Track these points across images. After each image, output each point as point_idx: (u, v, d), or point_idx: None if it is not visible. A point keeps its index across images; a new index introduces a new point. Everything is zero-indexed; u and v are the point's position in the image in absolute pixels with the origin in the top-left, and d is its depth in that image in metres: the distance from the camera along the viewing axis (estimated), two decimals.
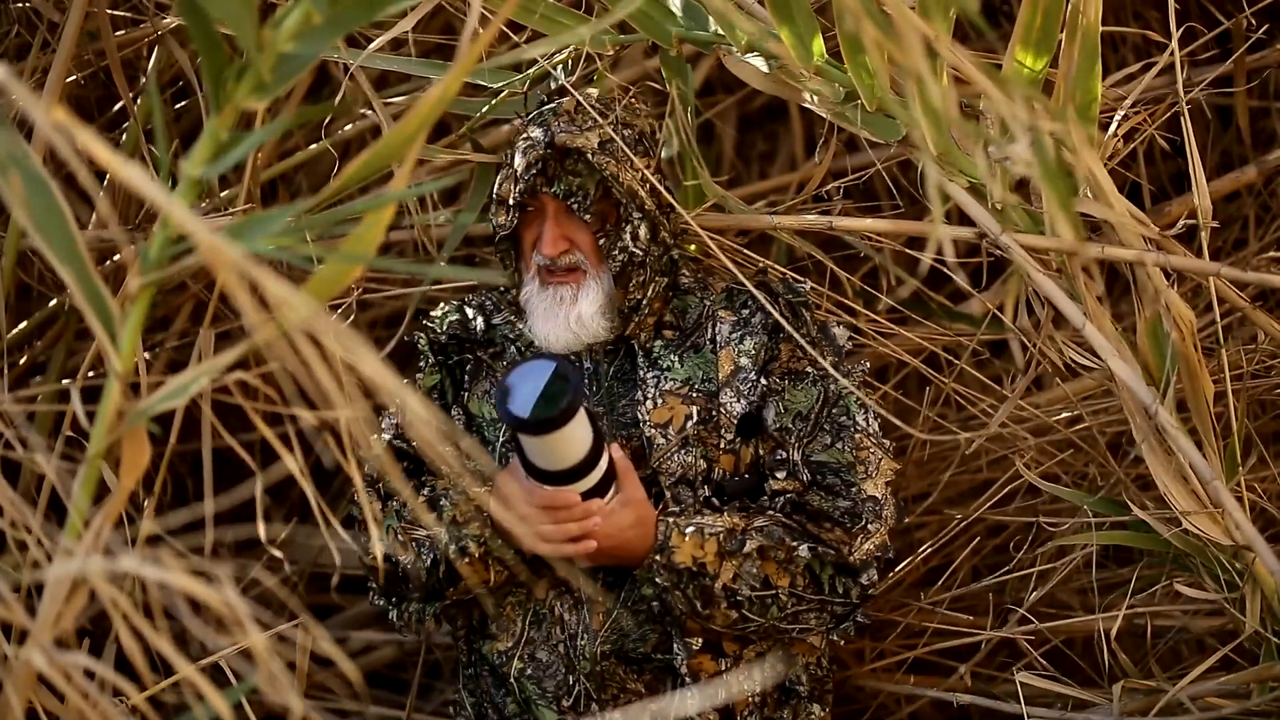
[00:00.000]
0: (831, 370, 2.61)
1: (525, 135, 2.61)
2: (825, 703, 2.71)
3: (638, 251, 2.61)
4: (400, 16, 2.71)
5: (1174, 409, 2.56)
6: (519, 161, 2.59)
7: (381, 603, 2.73)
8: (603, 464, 2.45)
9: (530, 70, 2.75)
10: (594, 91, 2.69)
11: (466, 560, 2.56)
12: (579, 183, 2.58)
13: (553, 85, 2.71)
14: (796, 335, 2.62)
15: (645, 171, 2.61)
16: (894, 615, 3.16)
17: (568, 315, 2.60)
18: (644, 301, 2.64)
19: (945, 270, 2.95)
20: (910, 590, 3.21)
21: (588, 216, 2.59)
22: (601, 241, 2.61)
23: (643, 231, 2.61)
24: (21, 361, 3.26)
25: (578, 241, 2.61)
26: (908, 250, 2.91)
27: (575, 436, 2.38)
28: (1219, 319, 2.66)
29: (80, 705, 1.55)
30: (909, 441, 3.17)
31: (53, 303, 3.23)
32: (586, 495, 2.45)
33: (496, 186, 2.64)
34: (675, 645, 2.58)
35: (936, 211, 1.69)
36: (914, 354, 3.06)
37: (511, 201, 2.60)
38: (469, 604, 2.66)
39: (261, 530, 1.82)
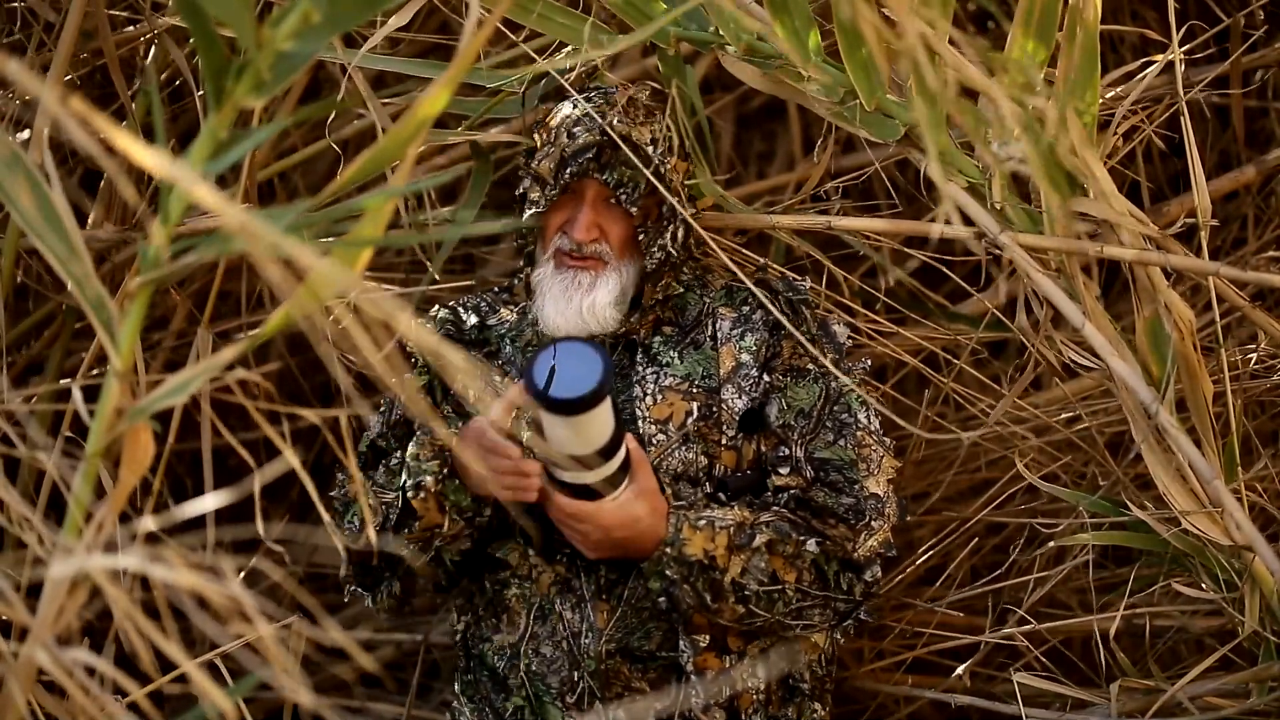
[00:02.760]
0: (832, 368, 2.61)
1: (571, 115, 2.60)
2: (826, 701, 2.71)
3: (673, 252, 2.62)
4: (395, 10, 2.70)
5: (1173, 408, 2.56)
6: (566, 141, 2.58)
7: (358, 592, 2.71)
8: (621, 453, 2.43)
9: (528, 70, 2.74)
10: (609, 78, 2.70)
11: (421, 496, 2.53)
12: (631, 174, 2.58)
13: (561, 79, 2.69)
14: (797, 334, 2.62)
15: (684, 174, 2.63)
16: (893, 615, 3.16)
17: (581, 302, 2.59)
18: (660, 300, 2.64)
19: (945, 271, 2.95)
20: (909, 590, 3.21)
21: (634, 209, 2.59)
22: (641, 237, 2.61)
23: (680, 234, 2.62)
24: (20, 361, 3.26)
25: (608, 232, 2.62)
26: (906, 249, 2.91)
27: (599, 422, 2.36)
28: (1218, 318, 2.66)
29: (81, 702, 1.55)
30: (908, 441, 3.17)
31: (51, 302, 3.23)
32: (603, 483, 2.44)
33: (535, 162, 2.62)
34: (681, 642, 2.58)
35: (943, 185, 1.68)
36: (913, 354, 3.06)
37: (554, 181, 2.59)
38: (448, 588, 2.65)
39: (260, 527, 1.82)
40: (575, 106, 2.62)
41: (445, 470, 2.53)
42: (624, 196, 2.59)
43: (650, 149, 2.59)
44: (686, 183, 2.73)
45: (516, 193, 2.67)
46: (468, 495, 2.53)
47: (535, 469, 2.45)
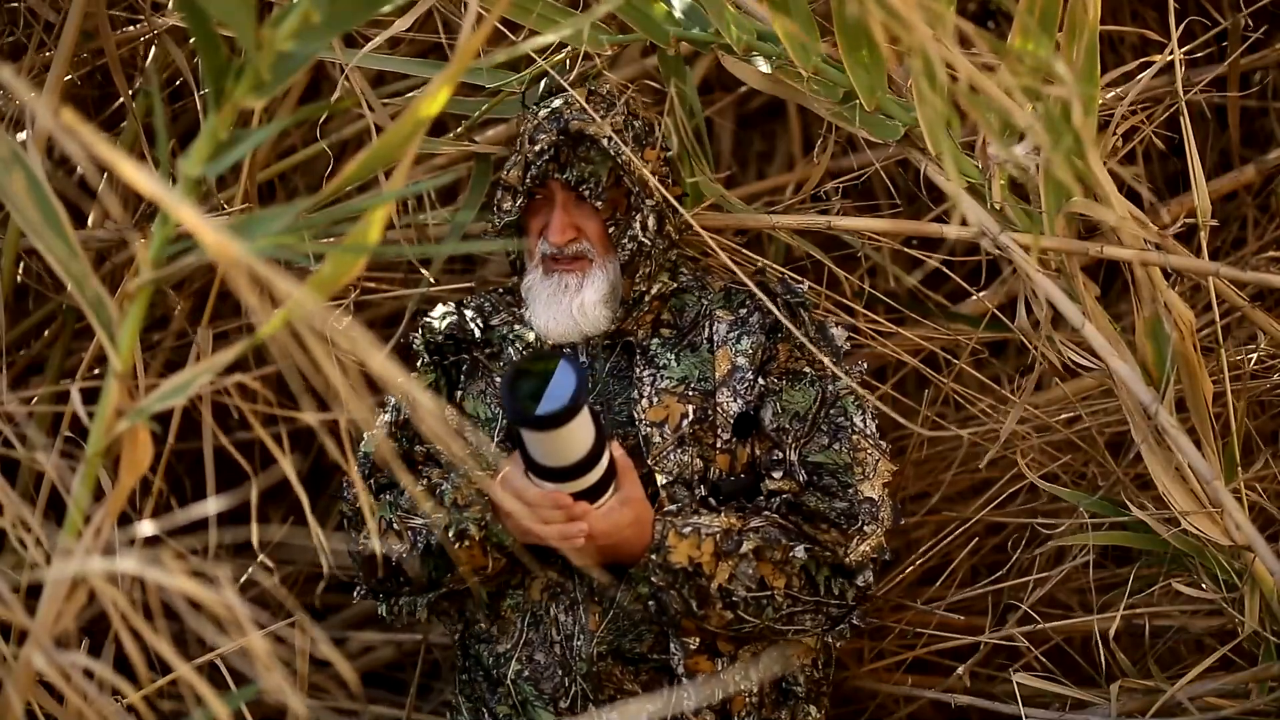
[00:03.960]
0: (833, 367, 2.61)
1: (533, 121, 2.62)
2: (821, 704, 2.70)
3: (646, 241, 2.62)
4: (397, 15, 2.70)
5: (1173, 409, 2.56)
6: (529, 147, 2.61)
7: (370, 599, 2.72)
8: (603, 462, 2.43)
9: (528, 70, 2.75)
10: (609, 78, 2.70)
11: (465, 544, 2.55)
12: (591, 169, 2.59)
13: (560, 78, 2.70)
14: (797, 333, 2.62)
15: (654, 163, 2.63)
16: (893, 616, 3.16)
17: (571, 303, 2.61)
18: (648, 295, 2.64)
19: (945, 270, 2.95)
20: (909, 591, 3.21)
21: (599, 203, 2.59)
22: (611, 230, 2.61)
23: (651, 221, 2.62)
24: (20, 361, 3.25)
25: (585, 230, 2.62)
26: (907, 249, 2.91)
27: (577, 434, 2.37)
28: (1218, 318, 2.66)
29: (79, 705, 1.54)
30: (908, 442, 3.16)
31: (50, 303, 3.22)
32: (586, 493, 2.44)
33: (505, 173, 2.64)
34: (672, 645, 2.58)
35: (955, 182, 1.68)
36: (913, 354, 3.05)
37: (520, 187, 2.61)
38: (462, 596, 2.65)
39: (255, 536, 1.82)
40: (537, 113, 2.63)
41: (488, 516, 2.54)
42: (588, 192, 2.60)
43: (607, 141, 2.59)
44: (675, 178, 2.73)
45: (494, 205, 2.68)
46: (510, 534, 2.54)
47: (585, 509, 2.44)
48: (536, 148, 2.60)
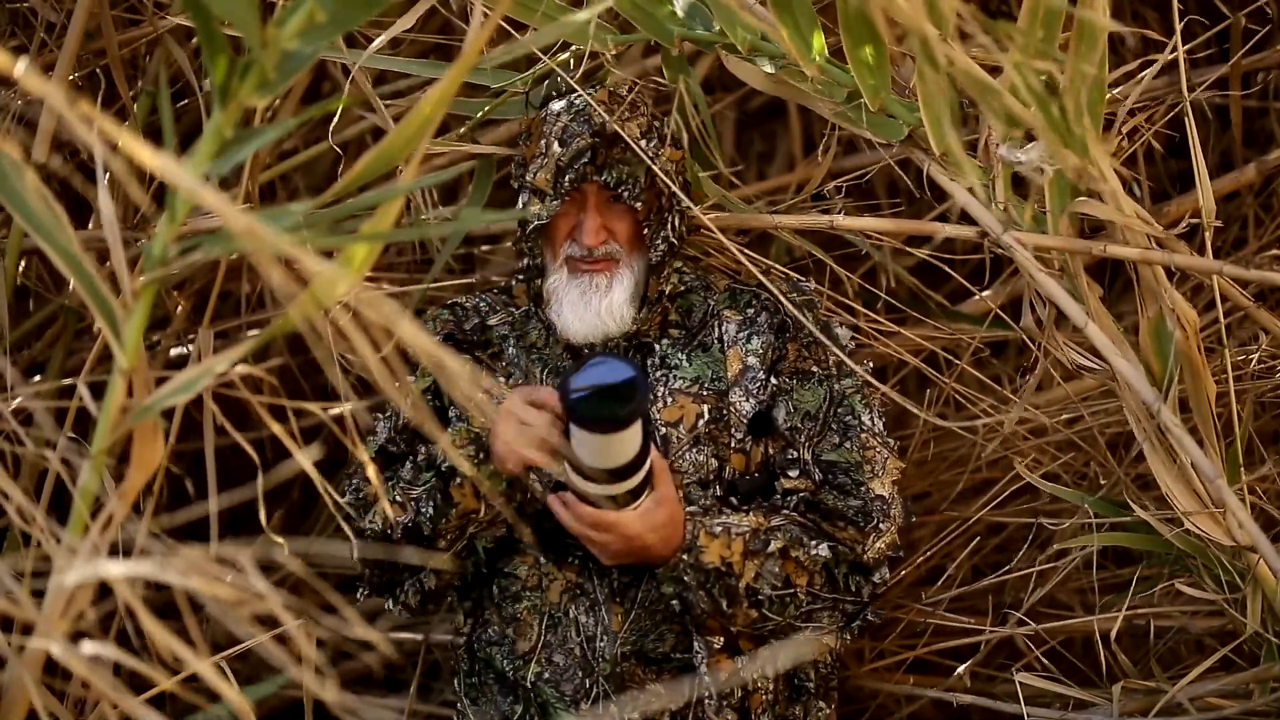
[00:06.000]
0: (847, 359, 2.63)
1: (558, 123, 2.59)
2: (831, 700, 2.71)
3: (675, 241, 2.62)
4: (398, 14, 2.70)
5: (1176, 408, 2.56)
6: (559, 150, 2.57)
7: (375, 595, 2.70)
8: (646, 466, 2.43)
9: (532, 70, 2.74)
10: (619, 75, 2.68)
11: (458, 482, 2.53)
12: (629, 170, 2.58)
13: (566, 78, 2.69)
14: (812, 328, 2.63)
15: (678, 163, 2.63)
16: (894, 615, 3.16)
17: (600, 304, 2.59)
18: (665, 293, 2.64)
19: (947, 270, 2.95)
20: (910, 590, 3.21)
21: (639, 205, 2.58)
22: (646, 230, 2.60)
23: (677, 222, 2.62)
24: (21, 362, 3.25)
25: (616, 231, 2.61)
26: (908, 249, 2.91)
27: (630, 438, 2.36)
28: (1222, 318, 2.66)
29: (100, 692, 1.54)
30: (910, 441, 3.16)
31: (51, 304, 3.22)
32: (627, 495, 2.43)
33: (530, 175, 2.60)
34: (695, 644, 2.58)
35: (962, 159, 1.68)
36: (914, 354, 3.05)
37: (554, 190, 2.57)
38: (468, 562, 2.62)
39: (264, 520, 1.82)
40: (559, 114, 2.61)
41: (481, 455, 2.53)
42: (626, 194, 2.58)
43: (643, 142, 2.59)
44: (687, 177, 2.73)
45: (518, 207, 2.65)
46: (503, 478, 2.53)
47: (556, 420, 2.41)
48: (571, 149, 2.57)
